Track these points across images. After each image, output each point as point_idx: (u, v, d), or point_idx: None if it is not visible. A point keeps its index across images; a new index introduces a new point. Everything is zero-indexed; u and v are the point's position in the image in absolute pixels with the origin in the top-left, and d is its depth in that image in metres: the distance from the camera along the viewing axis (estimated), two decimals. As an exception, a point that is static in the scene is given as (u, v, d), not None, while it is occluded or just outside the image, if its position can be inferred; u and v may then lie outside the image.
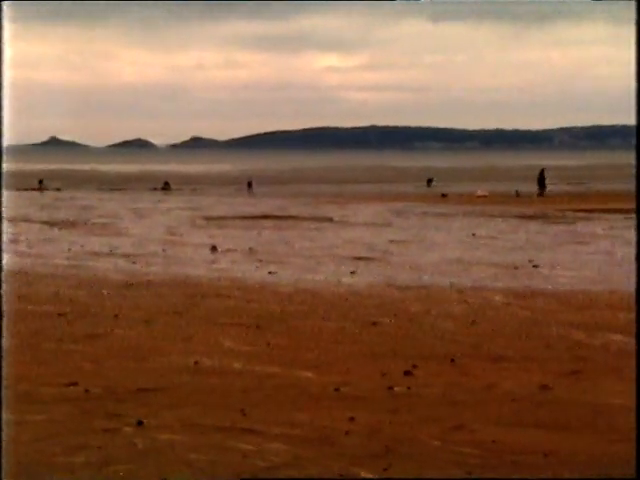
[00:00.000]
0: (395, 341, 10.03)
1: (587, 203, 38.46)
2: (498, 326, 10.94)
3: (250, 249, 20.59)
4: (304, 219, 30.78)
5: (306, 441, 6.31)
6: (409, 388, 7.83)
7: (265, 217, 31.50)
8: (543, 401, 7.38)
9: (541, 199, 42.78)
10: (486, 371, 8.46)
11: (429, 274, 16.48)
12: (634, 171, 5.98)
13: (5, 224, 19.27)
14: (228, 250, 20.38)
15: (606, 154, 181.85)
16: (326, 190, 54.56)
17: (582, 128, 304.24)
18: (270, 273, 16.38)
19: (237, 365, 8.66)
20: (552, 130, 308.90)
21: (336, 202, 40.78)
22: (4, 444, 5.71)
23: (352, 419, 6.84)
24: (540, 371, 8.43)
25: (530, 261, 18.34)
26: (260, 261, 18.32)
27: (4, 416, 5.84)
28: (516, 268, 17.28)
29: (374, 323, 11.09)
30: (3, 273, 6.84)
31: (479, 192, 48.11)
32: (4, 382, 6.00)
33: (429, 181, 60.03)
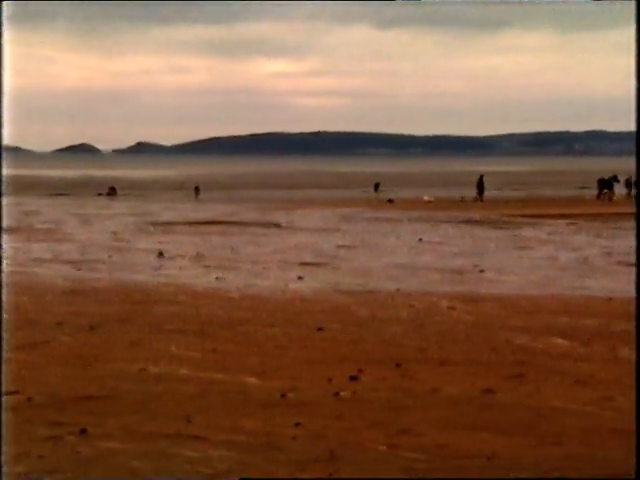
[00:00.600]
0: (341, 346, 10.05)
1: (531, 208, 39.01)
2: (444, 330, 11.03)
3: (197, 255, 20.49)
4: (252, 224, 30.72)
5: (251, 447, 6.29)
6: (355, 393, 7.85)
7: (212, 223, 31.36)
8: (487, 404, 7.45)
9: (485, 204, 43.25)
10: (431, 375, 8.52)
11: (376, 279, 16.56)
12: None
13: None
14: (175, 256, 20.26)
15: (548, 160, 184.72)
16: (274, 196, 54.53)
17: (525, 135, 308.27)
18: (217, 279, 16.32)
19: (183, 372, 8.60)
20: (496, 136, 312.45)
21: (284, 208, 40.78)
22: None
23: (298, 425, 6.83)
24: (484, 375, 8.51)
25: (476, 266, 18.53)
26: (207, 267, 18.24)
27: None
28: (462, 273, 17.45)
29: (321, 328, 11.10)
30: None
31: (425, 197, 48.53)
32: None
33: (376, 186, 60.33)
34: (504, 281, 16.26)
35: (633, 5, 5.87)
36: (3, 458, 5.76)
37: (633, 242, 26.71)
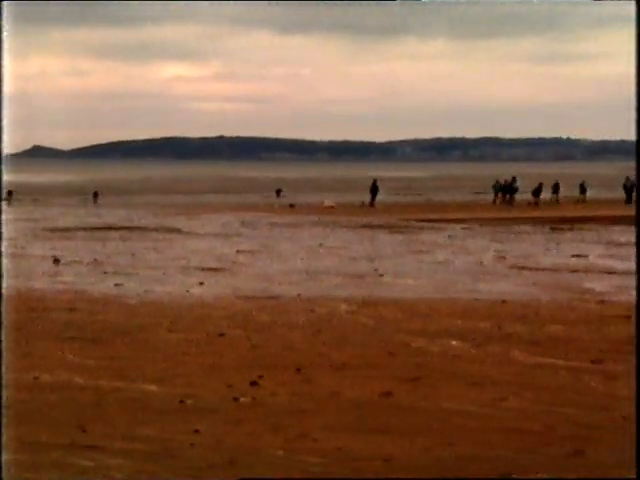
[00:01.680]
0: (242, 352, 10.04)
1: (429, 213, 39.66)
2: (343, 335, 11.13)
3: (95, 261, 20.14)
4: (151, 230, 30.36)
5: (149, 455, 6.23)
6: (254, 399, 7.86)
7: (111, 228, 30.87)
8: (385, 407, 7.56)
9: (385, 209, 43.75)
10: (330, 379, 8.59)
11: (277, 284, 16.59)
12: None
13: None
14: (72, 262, 19.86)
15: (446, 166, 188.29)
16: (174, 201, 53.99)
17: (425, 140, 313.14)
18: (116, 285, 16.08)
19: (79, 380, 8.45)
20: (395, 142, 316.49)
21: (184, 213, 40.43)
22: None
23: (197, 431, 6.80)
24: (383, 378, 8.62)
25: (375, 270, 18.76)
26: (105, 273, 17.95)
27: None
28: (362, 277, 17.63)
29: (221, 334, 11.06)
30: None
31: (327, 202, 48.78)
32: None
33: (278, 192, 60.38)
34: (402, 285, 16.51)
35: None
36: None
37: (525, 246, 27.49)
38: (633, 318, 12.19)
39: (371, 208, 45.21)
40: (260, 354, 9.92)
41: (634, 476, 5.64)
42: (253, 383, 8.40)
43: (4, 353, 5.94)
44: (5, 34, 5.98)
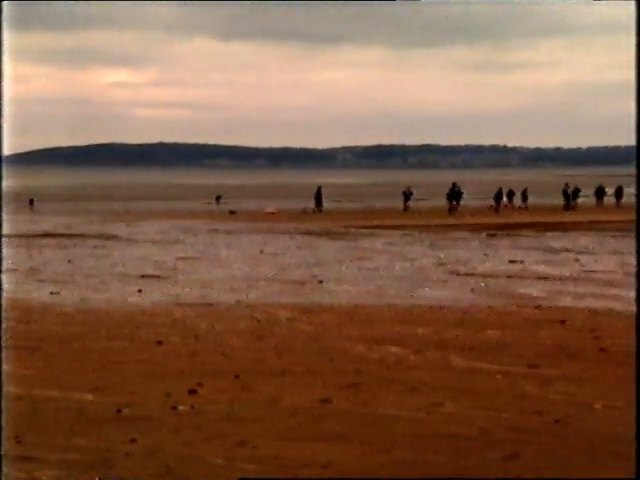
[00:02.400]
0: (181, 360, 9.98)
1: (368, 220, 39.89)
2: (283, 341, 11.13)
3: (31, 269, 19.84)
4: (89, 237, 30.01)
5: (85, 465, 6.16)
6: (193, 407, 7.82)
7: (48, 235, 30.43)
8: (324, 414, 7.57)
9: (325, 216, 43.90)
10: (270, 386, 8.58)
11: (217, 291, 16.53)
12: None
13: None
14: (6, 270, 19.52)
15: (385, 173, 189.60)
16: (113, 208, 53.43)
17: (364, 147, 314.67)
18: (52, 293, 15.86)
19: (13, 390, 8.29)
20: (336, 149, 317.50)
21: (123, 220, 40.05)
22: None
23: (133, 440, 6.74)
24: (322, 385, 8.64)
25: (315, 276, 18.80)
26: (41, 281, 17.70)
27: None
28: (302, 284, 17.65)
29: (160, 342, 10.98)
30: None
31: (267, 209, 48.78)
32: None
33: (218, 198, 60.14)
34: (342, 291, 16.57)
35: (633, 5, 5.96)
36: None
37: (464, 252, 27.80)
38: (569, 322, 12.44)
39: (314, 214, 45.31)
40: (199, 361, 9.87)
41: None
42: (192, 391, 8.35)
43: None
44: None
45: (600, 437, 6.86)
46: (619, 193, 51.62)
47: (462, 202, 47.87)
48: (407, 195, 48.79)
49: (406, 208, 47.59)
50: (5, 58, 6.12)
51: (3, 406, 5.72)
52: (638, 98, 5.75)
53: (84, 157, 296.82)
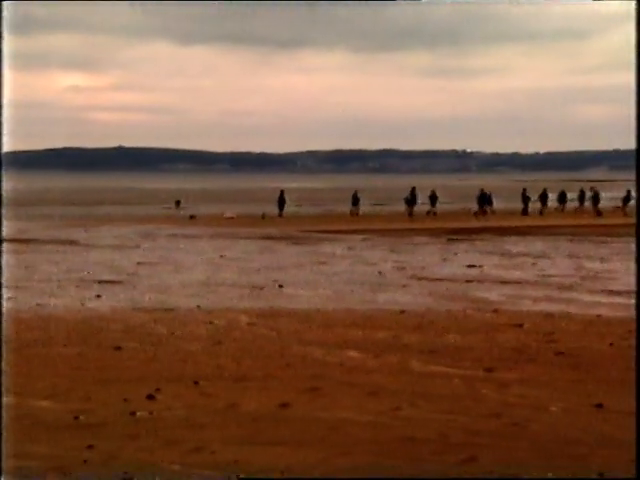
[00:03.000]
0: (139, 365, 9.92)
1: (329, 224, 39.96)
2: (242, 346, 11.11)
3: (-13, 274, 19.58)
4: (47, 242, 29.70)
5: (41, 473, 6.09)
6: (151, 412, 7.77)
7: (2, 241, 30.01)
8: (283, 419, 7.57)
9: (285, 220, 43.91)
10: (229, 391, 8.56)
11: (176, 296, 16.44)
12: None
13: None
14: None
15: (346, 177, 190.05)
16: (72, 212, 52.93)
17: (324, 152, 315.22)
18: (8, 299, 15.66)
19: (-32, 397, 8.19)
20: (296, 153, 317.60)
21: (82, 225, 39.69)
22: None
23: (91, 447, 6.68)
24: (281, 389, 8.64)
25: (275, 281, 18.78)
26: (-3, 287, 17.46)
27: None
28: (262, 288, 17.63)
29: (118, 347, 10.90)
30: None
31: (227, 214, 48.64)
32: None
33: (177, 203, 59.86)
34: (302, 296, 16.57)
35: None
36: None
37: (423, 256, 27.91)
38: (526, 326, 12.56)
39: (274, 219, 45.28)
40: (158, 367, 9.81)
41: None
42: (150, 397, 8.30)
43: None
44: (5, 34, 5.87)
45: (556, 439, 6.93)
46: (582, 198, 52.30)
47: (419, 206, 48.13)
48: (356, 200, 48.86)
49: (356, 213, 47.69)
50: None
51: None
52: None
53: (42, 161, 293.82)
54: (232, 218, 46.10)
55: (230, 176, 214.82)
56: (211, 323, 12.99)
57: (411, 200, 47.71)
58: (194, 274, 20.44)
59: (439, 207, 48.97)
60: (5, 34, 6.09)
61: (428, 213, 46.83)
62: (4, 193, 6.43)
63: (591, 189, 52.19)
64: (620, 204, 50.07)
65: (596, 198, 51.03)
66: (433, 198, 48.47)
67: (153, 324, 12.88)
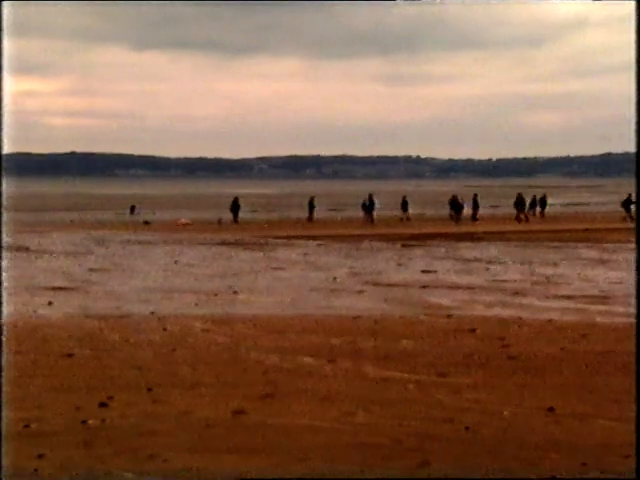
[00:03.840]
0: (91, 373, 9.82)
1: (284, 230, 39.94)
2: (196, 353, 11.06)
3: None
4: (-2, 248, 29.27)
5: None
6: (103, 420, 7.70)
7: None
8: (237, 426, 7.54)
9: (240, 226, 43.82)
10: (182, 398, 8.51)
11: (130, 303, 16.32)
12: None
13: None
14: None
15: (301, 183, 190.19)
16: (22, 218, 52.25)
17: (280, 158, 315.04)
18: (-43, 307, 15.43)
19: None
20: (251, 159, 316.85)
21: (33, 230, 39.22)
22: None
23: (41, 456, 6.60)
24: (236, 396, 8.61)
25: (230, 287, 18.73)
26: (-54, 294, 17.18)
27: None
28: (216, 294, 17.56)
29: (70, 355, 10.79)
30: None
31: (182, 220, 48.40)
32: None
33: (132, 209, 59.44)
34: (258, 302, 16.54)
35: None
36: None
37: (378, 262, 28.00)
38: (479, 331, 12.67)
39: (229, 225, 45.16)
40: (110, 374, 9.72)
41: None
42: (102, 404, 8.22)
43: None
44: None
45: (508, 443, 7.00)
46: (534, 204, 52.70)
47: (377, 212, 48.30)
48: (312, 206, 48.92)
49: (311, 219, 47.76)
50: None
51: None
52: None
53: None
54: (187, 224, 45.88)
55: (185, 182, 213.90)
56: (165, 329, 12.91)
57: (369, 206, 47.86)
58: (148, 280, 20.30)
59: (400, 212, 49.21)
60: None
61: (402, 220, 46.98)
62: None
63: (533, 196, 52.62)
64: (623, 211, 48.39)
65: (537, 203, 51.67)
66: (405, 204, 48.63)
67: (106, 331, 12.77)
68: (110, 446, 6.91)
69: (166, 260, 25.62)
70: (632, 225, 42.02)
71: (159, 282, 19.93)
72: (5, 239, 34.23)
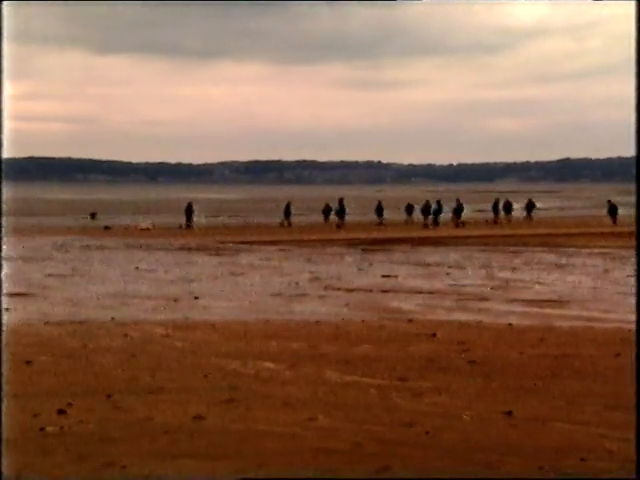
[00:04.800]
0: (50, 379, 9.73)
1: (245, 235, 39.87)
2: (157, 359, 11.00)
3: None
4: (-46, 254, 28.89)
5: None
6: (62, 427, 7.63)
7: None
8: (197, 431, 7.51)
9: (202, 231, 43.63)
10: (142, 404, 8.46)
11: (90, 309, 16.20)
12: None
13: None
14: None
15: (263, 188, 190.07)
16: (-19, 223, 51.59)
17: (241, 163, 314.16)
18: None
19: None
20: (213, 164, 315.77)
21: (-9, 235, 38.70)
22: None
23: (-1, 464, 6.52)
24: (196, 401, 8.58)
25: (191, 293, 18.66)
26: None
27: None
28: (177, 300, 17.49)
29: (28, 362, 10.67)
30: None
31: (143, 225, 48.13)
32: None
33: (92, 214, 59.00)
34: (218, 307, 16.50)
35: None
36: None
37: (339, 267, 28.06)
38: (439, 335, 12.74)
39: (188, 230, 44.97)
40: (69, 381, 9.64)
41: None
42: (61, 411, 8.15)
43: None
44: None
45: (467, 447, 7.05)
46: (496, 208, 52.90)
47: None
48: (288, 211, 48.72)
49: (288, 224, 47.58)
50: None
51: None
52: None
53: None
54: (148, 229, 45.63)
55: (146, 187, 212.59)
56: (125, 335, 12.83)
57: (340, 211, 47.89)
58: (108, 286, 20.16)
59: (356, 218, 49.32)
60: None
61: (379, 224, 47.00)
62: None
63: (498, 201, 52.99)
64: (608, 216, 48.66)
65: (500, 208, 52.04)
66: (380, 209, 48.69)
67: (65, 337, 12.66)
68: (68, 453, 6.85)
69: (127, 265, 25.46)
70: (592, 230, 42.51)
71: (119, 288, 19.80)
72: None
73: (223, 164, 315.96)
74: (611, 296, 18.30)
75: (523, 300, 17.67)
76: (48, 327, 13.71)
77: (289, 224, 47.37)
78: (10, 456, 6.73)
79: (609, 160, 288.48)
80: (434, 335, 12.81)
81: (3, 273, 15.93)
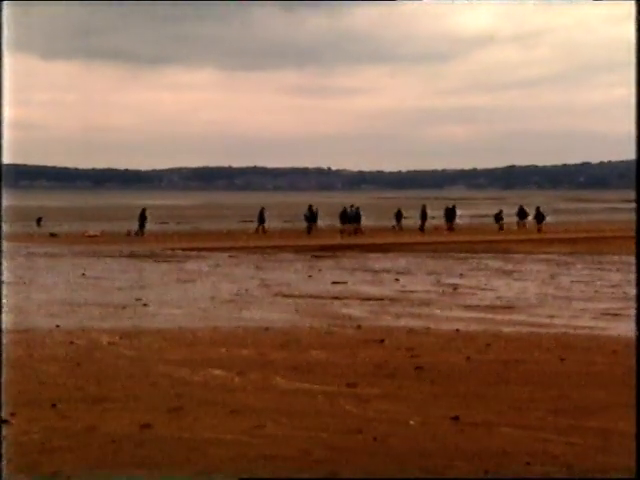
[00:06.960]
0: (-6, 389, 9.56)
1: (195, 242, 39.66)
2: (103, 367, 10.88)
3: None
4: None
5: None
6: (6, 437, 7.50)
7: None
8: (144, 440, 7.44)
9: (150, 238, 43.30)
10: (88, 413, 8.36)
11: (34, 316, 15.97)
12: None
13: None
14: None
15: (211, 194, 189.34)
16: None
17: (191, 169, 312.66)
18: None
19: None
20: (162, 170, 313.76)
21: None
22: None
23: (-61, 476, 6.39)
24: (143, 410, 8.50)
25: (139, 300, 18.49)
26: None
27: None
28: (125, 307, 17.32)
29: (-29, 371, 10.48)
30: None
31: (89, 231, 47.63)
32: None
33: (38, 220, 58.22)
34: (167, 314, 16.38)
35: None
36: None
37: (289, 273, 28.04)
38: (388, 341, 12.79)
39: (138, 237, 44.58)
40: (13, 390, 9.47)
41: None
42: (4, 421, 8.00)
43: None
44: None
45: (414, 453, 7.09)
46: (449, 215, 52.96)
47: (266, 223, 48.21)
48: (262, 217, 48.28)
49: (263, 230, 47.24)
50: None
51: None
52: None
53: None
54: (95, 236, 45.15)
55: (93, 193, 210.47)
56: (71, 343, 12.67)
57: (311, 217, 47.79)
58: (54, 293, 19.91)
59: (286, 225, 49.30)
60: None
61: (356, 231, 46.91)
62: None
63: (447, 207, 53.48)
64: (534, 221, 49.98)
65: (452, 214, 52.35)
66: (355, 216, 48.55)
67: (9, 346, 12.41)
68: (11, 463, 6.74)
69: (73, 272, 25.16)
70: (536, 237, 43.05)
71: (66, 295, 19.55)
72: None
73: (172, 170, 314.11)
74: (555, 301, 18.56)
75: (470, 306, 17.84)
76: (-8, 335, 13.47)
77: (264, 230, 47.00)
78: (-49, 467, 6.61)
79: (555, 167, 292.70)
80: (382, 341, 12.87)
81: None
